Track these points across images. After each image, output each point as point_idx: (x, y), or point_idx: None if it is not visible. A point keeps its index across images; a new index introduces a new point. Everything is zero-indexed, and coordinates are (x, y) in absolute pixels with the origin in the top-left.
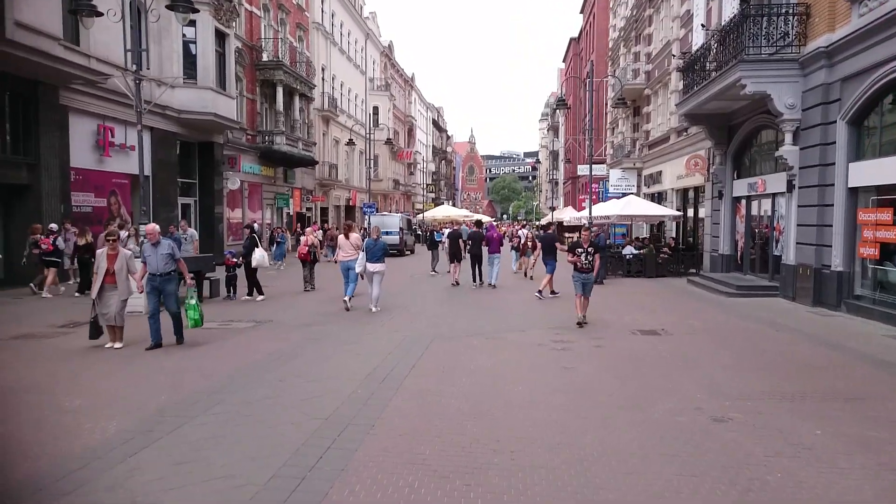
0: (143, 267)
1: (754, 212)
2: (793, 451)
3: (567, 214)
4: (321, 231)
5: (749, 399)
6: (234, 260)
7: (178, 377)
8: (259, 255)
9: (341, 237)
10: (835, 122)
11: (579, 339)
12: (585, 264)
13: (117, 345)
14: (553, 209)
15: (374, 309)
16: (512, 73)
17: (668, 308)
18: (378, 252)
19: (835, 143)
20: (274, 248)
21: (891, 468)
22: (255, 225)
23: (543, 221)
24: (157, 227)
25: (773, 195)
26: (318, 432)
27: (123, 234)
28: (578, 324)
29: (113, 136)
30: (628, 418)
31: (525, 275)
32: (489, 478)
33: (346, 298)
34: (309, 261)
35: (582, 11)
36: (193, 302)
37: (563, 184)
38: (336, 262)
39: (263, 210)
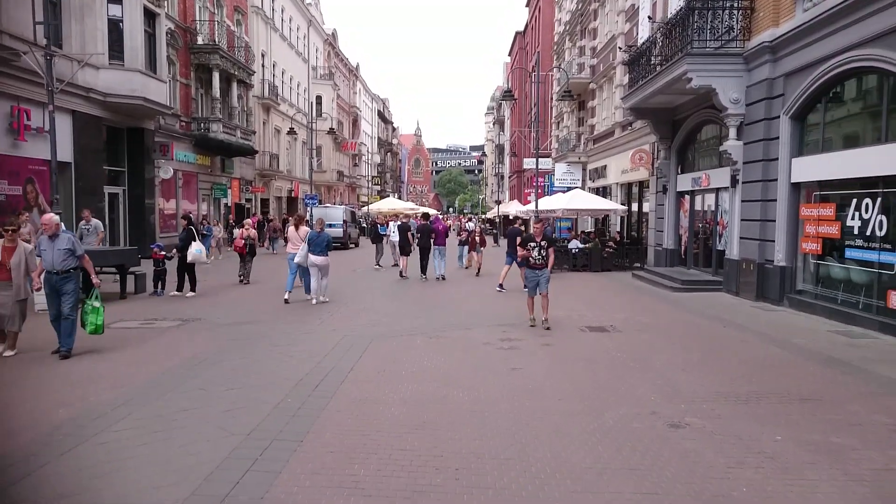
0: (41, 262)
1: (698, 206)
2: (755, 460)
3: (513, 208)
4: (257, 224)
5: (704, 401)
6: (162, 253)
7: (83, 387)
8: (196, 250)
9: (291, 229)
10: (778, 117)
11: (527, 338)
12: (538, 260)
13: (8, 352)
14: (499, 203)
15: (322, 299)
16: (458, 67)
17: (615, 303)
18: (321, 244)
19: (778, 138)
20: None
21: (859, 479)
22: (192, 216)
23: (489, 215)
24: (56, 217)
25: (717, 190)
26: (237, 451)
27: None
28: (532, 325)
29: (29, 119)
30: (582, 426)
31: (476, 273)
32: (430, 502)
33: (311, 296)
34: (245, 254)
35: (528, 5)
36: (98, 305)
37: (509, 177)
38: (287, 250)
39: (200, 201)
